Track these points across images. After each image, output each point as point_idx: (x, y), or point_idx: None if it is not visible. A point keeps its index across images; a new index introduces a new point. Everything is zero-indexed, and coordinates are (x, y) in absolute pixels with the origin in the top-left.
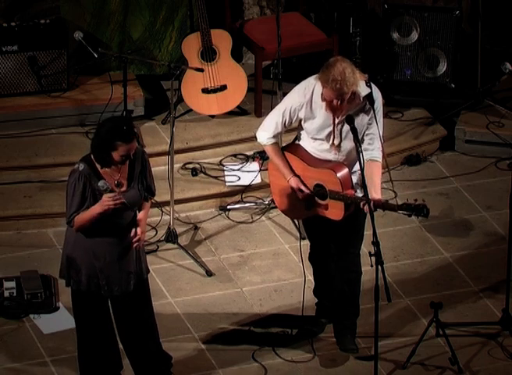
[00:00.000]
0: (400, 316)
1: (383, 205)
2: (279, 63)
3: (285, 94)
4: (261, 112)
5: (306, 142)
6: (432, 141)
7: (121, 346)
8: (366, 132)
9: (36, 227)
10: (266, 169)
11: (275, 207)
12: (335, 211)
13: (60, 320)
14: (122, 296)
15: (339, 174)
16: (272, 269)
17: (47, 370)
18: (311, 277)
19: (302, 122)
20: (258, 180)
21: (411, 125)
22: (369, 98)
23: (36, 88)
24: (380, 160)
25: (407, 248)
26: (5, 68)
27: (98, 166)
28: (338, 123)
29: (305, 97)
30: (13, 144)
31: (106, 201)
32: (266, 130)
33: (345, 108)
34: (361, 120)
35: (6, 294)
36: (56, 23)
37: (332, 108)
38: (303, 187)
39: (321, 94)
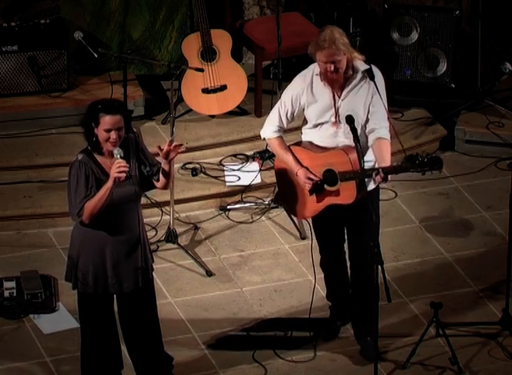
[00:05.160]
0: (400, 316)
1: (395, 169)
2: (279, 63)
3: None
4: (261, 112)
5: (311, 134)
6: (432, 141)
7: (123, 346)
8: (371, 109)
9: (36, 227)
10: (266, 169)
11: (275, 207)
12: (347, 193)
13: (60, 320)
14: (130, 293)
15: (349, 156)
16: (272, 269)
17: (47, 370)
18: (311, 278)
19: (305, 109)
20: (258, 180)
21: (411, 125)
22: (369, 72)
23: (36, 88)
24: (388, 139)
25: (407, 248)
26: (5, 68)
27: (97, 157)
28: (340, 103)
29: (305, 81)
30: (13, 144)
31: (116, 166)
32: (270, 124)
33: (342, 80)
34: (363, 97)
35: (6, 294)
36: (56, 23)
37: (329, 81)
38: (311, 176)
39: (320, 74)
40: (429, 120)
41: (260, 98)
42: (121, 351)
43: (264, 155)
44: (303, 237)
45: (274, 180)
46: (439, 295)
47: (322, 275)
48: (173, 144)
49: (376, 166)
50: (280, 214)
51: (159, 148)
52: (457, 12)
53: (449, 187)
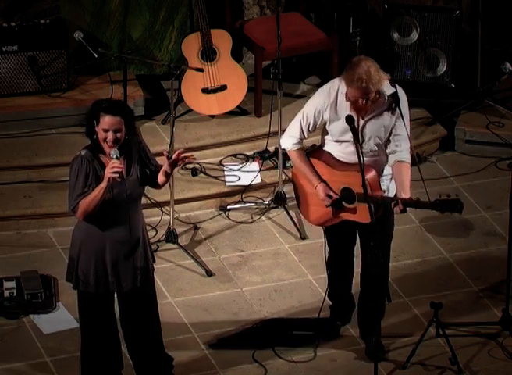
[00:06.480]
0: (400, 316)
1: (415, 203)
2: (279, 63)
3: (285, 94)
4: (261, 112)
5: (331, 146)
6: (432, 141)
7: (123, 347)
8: (393, 133)
9: (36, 227)
10: (266, 169)
11: (275, 207)
12: (364, 214)
13: (60, 320)
14: (130, 293)
15: (367, 176)
16: (272, 269)
17: (47, 370)
18: (311, 278)
19: (327, 124)
20: (258, 180)
21: (411, 125)
22: (394, 97)
23: (36, 88)
24: (409, 161)
25: (407, 248)
26: (5, 68)
27: (99, 155)
28: (362, 124)
29: (330, 97)
30: (13, 144)
31: (110, 167)
32: (291, 136)
33: (369, 107)
34: (387, 121)
35: (6, 294)
36: (56, 23)
37: (357, 108)
38: (331, 193)
39: (346, 94)
40: (429, 120)
41: (260, 98)
42: (121, 352)
43: (264, 155)
44: (303, 237)
45: (274, 180)
46: (439, 295)
47: (322, 275)
48: (182, 156)
49: (395, 190)
50: (280, 214)
51: (166, 156)
52: (457, 12)
53: (449, 187)
